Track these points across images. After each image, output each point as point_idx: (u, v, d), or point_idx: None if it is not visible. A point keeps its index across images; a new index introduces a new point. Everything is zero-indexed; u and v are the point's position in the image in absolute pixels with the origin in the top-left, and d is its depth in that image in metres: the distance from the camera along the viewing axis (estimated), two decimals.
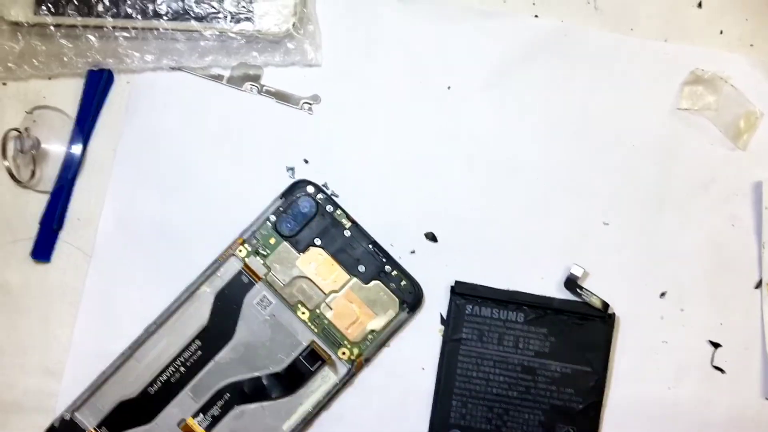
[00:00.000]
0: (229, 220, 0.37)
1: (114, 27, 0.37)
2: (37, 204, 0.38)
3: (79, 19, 0.37)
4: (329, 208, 0.37)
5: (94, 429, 0.35)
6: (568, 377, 0.36)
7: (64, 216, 0.38)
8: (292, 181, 0.37)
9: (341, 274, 0.36)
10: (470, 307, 0.36)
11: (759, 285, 0.37)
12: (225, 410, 0.36)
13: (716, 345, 0.37)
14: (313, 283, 0.36)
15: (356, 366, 0.36)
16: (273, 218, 0.37)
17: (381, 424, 0.37)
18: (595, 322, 0.36)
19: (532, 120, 0.38)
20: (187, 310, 0.36)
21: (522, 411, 0.36)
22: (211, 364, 0.36)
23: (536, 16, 0.39)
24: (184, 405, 0.36)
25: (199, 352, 0.36)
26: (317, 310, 0.36)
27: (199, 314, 0.36)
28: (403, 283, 0.36)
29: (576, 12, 0.39)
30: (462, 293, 0.36)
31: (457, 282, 0.37)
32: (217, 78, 0.39)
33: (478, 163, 0.38)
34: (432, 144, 0.38)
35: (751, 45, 0.39)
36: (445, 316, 0.37)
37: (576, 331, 0.36)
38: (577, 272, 0.36)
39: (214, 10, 0.37)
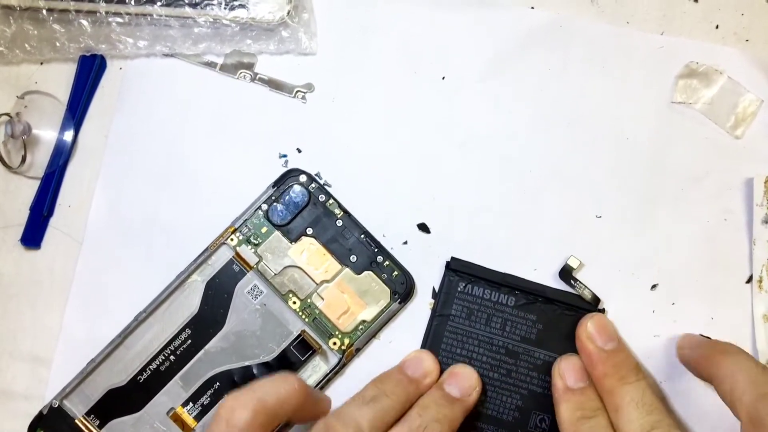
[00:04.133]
0: (221, 208, 0.37)
1: (107, 12, 0.37)
2: (27, 190, 0.38)
3: (72, 3, 0.37)
4: (321, 197, 0.37)
5: (83, 417, 0.35)
6: (550, 366, 0.36)
7: (54, 202, 0.38)
8: (284, 170, 0.37)
9: (333, 264, 0.36)
10: (463, 284, 0.36)
11: (750, 280, 0.37)
12: (215, 399, 0.36)
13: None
14: (305, 272, 0.36)
15: (347, 356, 0.36)
16: (265, 207, 0.36)
17: None
18: (585, 315, 0.36)
19: (526, 111, 0.38)
20: (177, 298, 0.36)
21: (501, 393, 0.36)
22: (201, 353, 0.36)
23: (532, 7, 0.39)
24: (173, 394, 0.36)
25: (189, 341, 0.36)
26: (308, 300, 0.36)
27: (189, 302, 0.36)
28: (394, 273, 0.36)
29: (572, 3, 0.39)
30: (457, 270, 0.36)
31: (453, 258, 0.36)
32: (211, 65, 0.38)
33: (471, 154, 0.38)
34: (426, 134, 0.38)
35: (747, 40, 0.39)
36: (437, 290, 0.37)
37: (564, 322, 0.36)
38: (573, 263, 0.36)
39: None
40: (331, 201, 0.37)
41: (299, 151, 0.38)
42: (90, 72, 0.38)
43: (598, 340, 0.34)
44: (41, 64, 0.39)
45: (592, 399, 0.34)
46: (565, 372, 0.34)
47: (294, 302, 0.36)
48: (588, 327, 0.35)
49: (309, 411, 0.31)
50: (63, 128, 0.38)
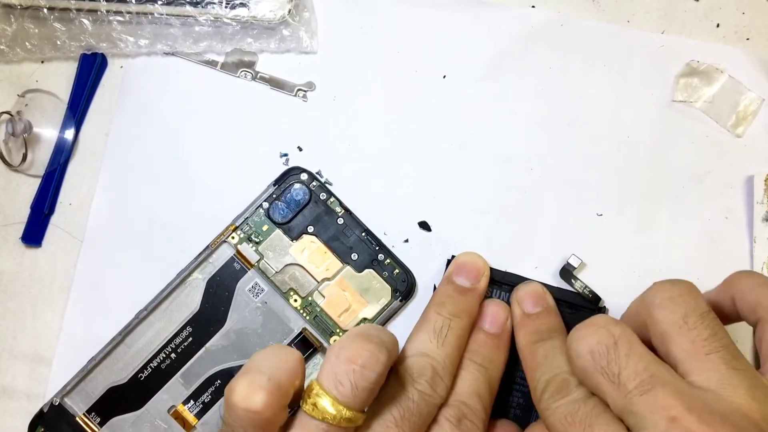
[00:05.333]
0: (222, 206, 0.37)
1: (108, 11, 0.37)
2: (28, 188, 0.38)
3: (73, 2, 0.37)
4: (322, 195, 0.37)
5: (84, 415, 0.35)
6: None
7: (55, 200, 0.38)
8: (285, 168, 0.37)
9: (334, 262, 0.36)
10: None
11: None
12: (216, 397, 0.36)
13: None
14: (306, 270, 0.36)
15: None
16: (266, 205, 0.36)
17: (371, 412, 0.36)
18: (585, 313, 0.36)
19: (527, 110, 0.38)
20: (178, 296, 0.36)
21: (502, 391, 0.35)
22: (201, 351, 0.36)
23: (533, 6, 0.39)
24: (174, 391, 0.36)
25: (190, 339, 0.36)
26: (309, 298, 0.36)
27: (190, 300, 0.36)
28: (396, 271, 0.36)
29: (573, 3, 0.39)
30: None
31: (453, 256, 0.36)
32: (212, 64, 0.38)
33: (472, 152, 0.38)
34: (426, 133, 0.38)
35: (747, 39, 0.39)
36: (437, 287, 0.37)
37: (565, 320, 0.36)
38: (574, 263, 0.36)
39: None
40: (332, 199, 0.37)
41: (300, 149, 0.38)
42: (91, 70, 0.38)
43: (526, 305, 0.34)
44: (42, 62, 0.39)
45: (548, 321, 0.33)
46: (523, 299, 0.34)
47: (295, 300, 0.36)
48: (517, 293, 0.35)
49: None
50: (64, 126, 0.38)
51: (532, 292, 0.34)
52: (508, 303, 0.36)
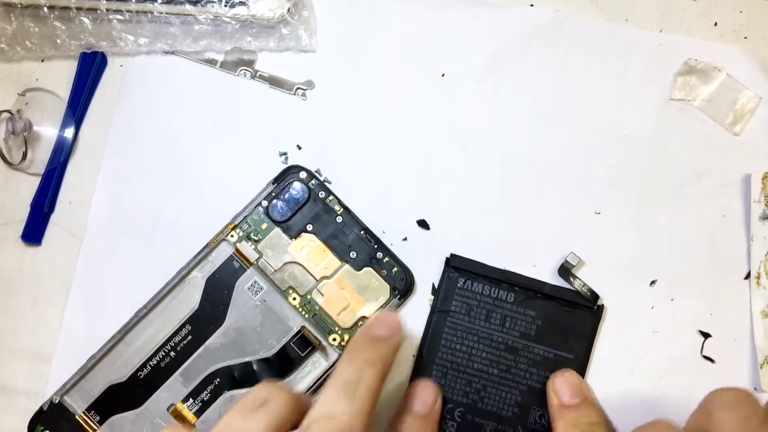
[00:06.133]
0: (221, 204, 0.37)
1: (108, 9, 0.37)
2: (28, 186, 0.38)
3: (73, 1, 0.37)
4: (321, 194, 0.37)
5: (83, 413, 0.35)
6: (549, 362, 0.36)
7: (55, 199, 0.38)
8: (284, 166, 0.37)
9: (333, 261, 0.36)
10: (462, 281, 0.36)
11: (748, 276, 0.37)
12: (215, 395, 0.36)
13: (706, 335, 0.37)
14: (305, 268, 0.36)
15: None
16: (265, 203, 0.36)
17: None
18: (584, 312, 0.36)
19: (525, 108, 0.38)
20: (177, 294, 0.36)
21: (500, 389, 0.36)
22: (201, 349, 0.36)
23: (531, 5, 0.39)
24: (173, 390, 0.36)
25: (190, 337, 0.36)
26: (308, 296, 0.36)
27: (189, 299, 0.36)
28: (394, 269, 0.36)
29: (572, 1, 0.39)
30: (456, 266, 0.36)
31: (452, 255, 0.37)
32: (211, 62, 0.39)
33: (471, 150, 0.38)
34: (426, 131, 0.38)
35: (745, 37, 0.39)
36: (436, 286, 0.37)
37: (563, 318, 0.36)
38: (573, 261, 0.36)
39: None
40: (331, 197, 0.37)
41: (299, 147, 0.38)
42: (91, 69, 0.38)
43: (563, 395, 0.34)
44: (42, 61, 0.39)
45: (588, 414, 0.33)
46: (560, 388, 0.34)
47: (294, 298, 0.36)
48: (554, 383, 0.35)
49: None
50: (64, 125, 0.38)
51: (569, 382, 0.34)
52: (506, 298, 0.36)
